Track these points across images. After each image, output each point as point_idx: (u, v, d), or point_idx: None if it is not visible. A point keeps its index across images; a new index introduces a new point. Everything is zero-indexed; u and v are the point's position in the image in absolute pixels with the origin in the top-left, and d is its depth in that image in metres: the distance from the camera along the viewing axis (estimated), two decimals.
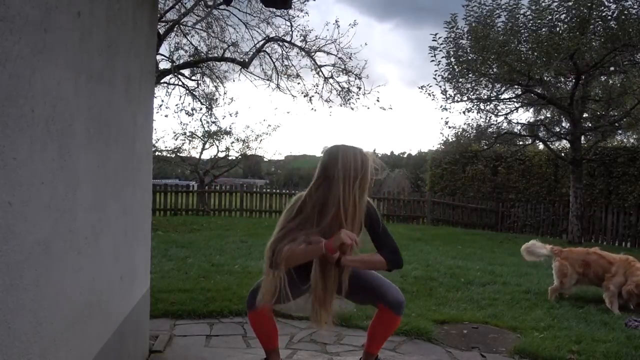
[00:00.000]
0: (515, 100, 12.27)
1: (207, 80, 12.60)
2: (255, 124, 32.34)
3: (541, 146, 14.09)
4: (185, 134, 16.57)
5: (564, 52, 9.54)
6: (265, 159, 21.48)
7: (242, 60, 11.29)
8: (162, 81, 11.30)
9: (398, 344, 3.65)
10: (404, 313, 2.69)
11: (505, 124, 12.70)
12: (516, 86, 11.46)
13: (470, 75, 11.02)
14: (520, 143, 13.58)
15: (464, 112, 11.99)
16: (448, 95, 11.47)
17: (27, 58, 1.40)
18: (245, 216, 14.18)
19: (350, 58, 11.50)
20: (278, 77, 11.70)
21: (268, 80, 11.71)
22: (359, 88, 11.67)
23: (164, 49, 11.28)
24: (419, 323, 3.97)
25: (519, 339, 3.80)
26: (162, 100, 12.61)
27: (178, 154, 17.56)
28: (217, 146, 17.58)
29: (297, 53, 11.53)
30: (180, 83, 12.48)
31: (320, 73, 11.70)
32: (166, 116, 13.77)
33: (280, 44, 11.48)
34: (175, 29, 10.40)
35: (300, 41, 11.34)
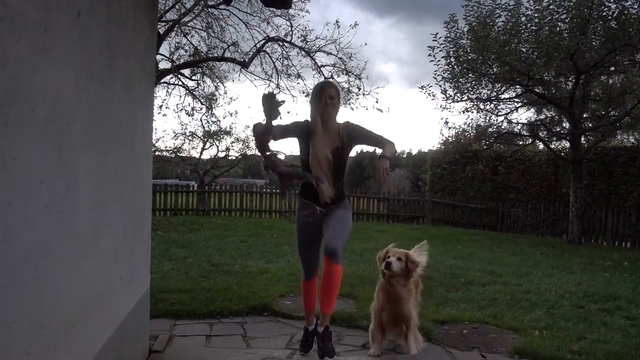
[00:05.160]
0: (515, 100, 12.27)
1: (207, 80, 12.61)
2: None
3: (541, 146, 14.08)
4: (185, 134, 16.58)
5: (564, 52, 9.54)
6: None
7: (242, 60, 11.30)
8: (162, 81, 11.30)
9: (398, 345, 3.65)
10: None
11: (505, 124, 12.71)
12: (516, 86, 11.46)
13: (470, 75, 11.02)
14: (520, 143, 13.57)
15: (463, 112, 11.99)
16: (448, 95, 11.47)
17: (27, 58, 1.40)
18: (245, 216, 14.17)
19: (350, 58, 11.52)
20: (278, 77, 11.71)
21: (268, 80, 11.72)
22: (359, 88, 11.68)
23: (164, 49, 11.28)
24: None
25: (519, 339, 3.79)
26: (163, 100, 12.59)
27: (178, 154, 17.56)
28: (217, 146, 17.60)
29: (298, 53, 11.54)
30: (180, 83, 12.49)
31: (321, 73, 11.70)
32: (164, 115, 13.70)
33: (281, 43, 11.48)
34: (175, 28, 10.40)
35: (301, 41, 11.35)
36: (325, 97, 3.21)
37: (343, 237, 3.20)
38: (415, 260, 3.44)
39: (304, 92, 11.93)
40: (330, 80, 10.21)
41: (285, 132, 3.20)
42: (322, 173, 3.14)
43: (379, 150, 3.26)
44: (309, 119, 3.29)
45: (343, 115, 20.37)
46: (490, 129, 12.43)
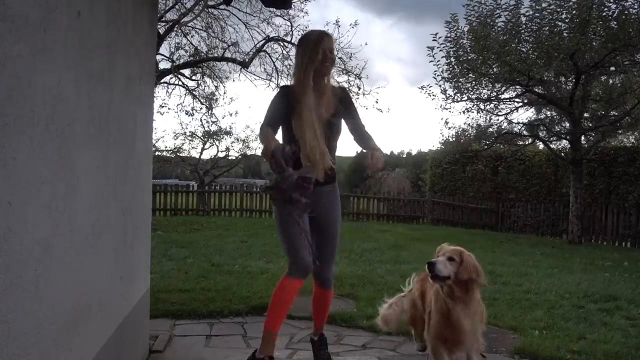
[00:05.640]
0: (515, 100, 12.29)
1: (207, 80, 12.64)
2: (256, 123, 32.31)
3: (541, 146, 14.09)
4: (185, 134, 16.61)
5: (564, 52, 9.55)
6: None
7: (242, 60, 11.31)
8: (162, 81, 11.32)
9: (398, 344, 3.64)
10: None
11: (505, 124, 12.73)
12: (516, 86, 11.47)
13: (470, 75, 11.03)
14: (520, 143, 13.59)
15: (464, 112, 12.01)
16: (448, 95, 11.49)
17: (27, 58, 1.40)
18: (245, 216, 14.17)
19: (350, 58, 11.52)
20: (278, 77, 11.72)
21: (268, 80, 11.73)
22: (359, 88, 11.69)
23: (164, 49, 11.31)
24: None
25: (519, 338, 3.79)
26: (163, 100, 12.62)
27: (178, 154, 17.59)
28: (217, 146, 17.64)
29: None
30: (180, 83, 12.52)
31: None
32: (162, 115, 13.66)
33: (281, 43, 11.50)
34: (175, 28, 10.42)
35: None
36: (325, 50, 2.59)
37: (334, 258, 2.89)
38: (475, 266, 2.40)
39: None
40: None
41: (280, 119, 2.63)
42: (316, 145, 2.53)
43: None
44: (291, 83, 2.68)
45: None
46: (490, 129, 12.44)
